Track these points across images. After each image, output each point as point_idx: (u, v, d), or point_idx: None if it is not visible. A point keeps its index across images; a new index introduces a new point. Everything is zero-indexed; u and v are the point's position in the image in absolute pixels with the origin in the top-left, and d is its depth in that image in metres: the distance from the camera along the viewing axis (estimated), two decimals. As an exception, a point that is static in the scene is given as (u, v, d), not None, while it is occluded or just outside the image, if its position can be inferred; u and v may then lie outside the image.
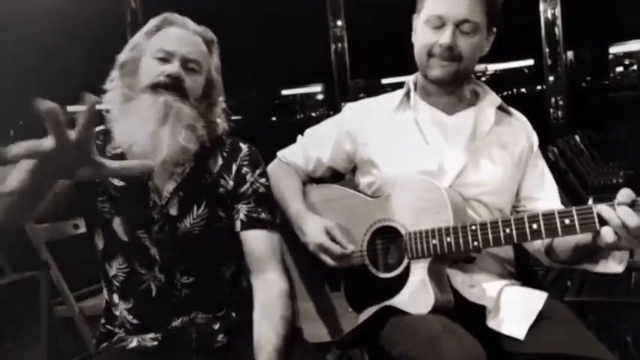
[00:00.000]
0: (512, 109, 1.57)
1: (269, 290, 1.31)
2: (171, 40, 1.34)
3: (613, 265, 1.30)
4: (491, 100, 1.53)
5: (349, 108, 1.66)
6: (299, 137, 1.70)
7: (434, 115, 1.51)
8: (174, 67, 1.31)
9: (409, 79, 1.58)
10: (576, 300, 2.05)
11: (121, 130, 1.29)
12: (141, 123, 1.26)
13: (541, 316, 1.31)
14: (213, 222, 1.35)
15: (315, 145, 1.64)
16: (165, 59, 1.32)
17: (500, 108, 1.53)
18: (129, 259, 1.33)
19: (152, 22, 1.37)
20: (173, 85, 1.29)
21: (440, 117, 1.51)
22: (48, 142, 0.86)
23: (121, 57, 1.36)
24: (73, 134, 0.87)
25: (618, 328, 2.22)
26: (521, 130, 1.54)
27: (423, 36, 1.47)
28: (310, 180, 1.67)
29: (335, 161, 1.62)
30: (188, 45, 1.34)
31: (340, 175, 1.71)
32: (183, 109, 1.29)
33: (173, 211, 1.32)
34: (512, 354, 1.29)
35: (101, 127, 1.37)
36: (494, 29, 1.51)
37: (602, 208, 1.16)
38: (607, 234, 1.15)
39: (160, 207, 1.32)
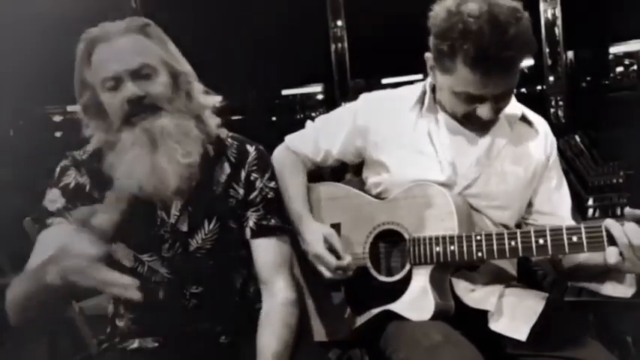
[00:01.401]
0: (534, 119, 1.48)
1: (274, 300, 1.29)
2: (107, 63, 1.20)
3: (622, 288, 1.27)
4: (512, 111, 1.44)
5: (364, 100, 1.58)
6: (309, 123, 1.64)
7: (449, 124, 1.44)
8: (127, 90, 1.19)
9: (426, 83, 1.48)
10: (576, 300, 2.05)
11: (121, 177, 1.21)
12: (134, 164, 1.20)
13: (542, 318, 1.30)
14: (225, 235, 1.31)
15: (326, 137, 1.58)
16: (115, 86, 1.20)
17: (521, 119, 1.45)
18: (134, 276, 1.30)
19: (79, 52, 1.24)
20: (140, 108, 1.20)
21: (455, 127, 1.44)
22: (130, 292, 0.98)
23: (80, 102, 1.26)
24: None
25: (618, 328, 2.21)
26: (539, 144, 1.46)
27: (455, 104, 1.36)
28: (317, 168, 1.63)
29: (344, 154, 1.58)
30: (125, 55, 1.20)
31: (341, 173, 1.70)
32: (165, 125, 1.21)
33: (183, 228, 1.29)
34: (514, 356, 1.29)
35: (93, 148, 1.30)
36: None
37: (612, 225, 1.13)
38: (610, 254, 1.13)
39: (170, 225, 1.28)
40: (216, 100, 1.34)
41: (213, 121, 1.33)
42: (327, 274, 1.38)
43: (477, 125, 1.40)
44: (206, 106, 1.32)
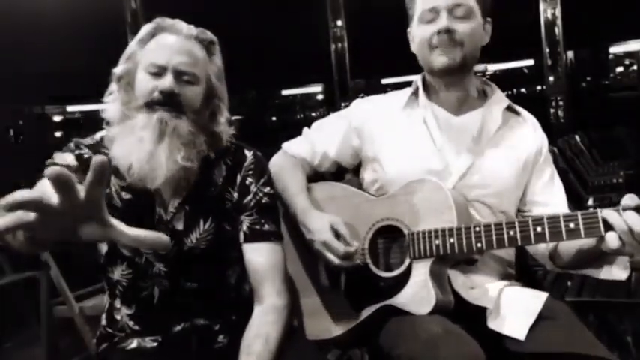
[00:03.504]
0: (521, 110, 1.55)
1: (260, 306, 1.30)
2: (162, 51, 1.27)
3: (617, 271, 1.29)
4: (499, 100, 1.52)
5: (357, 103, 1.65)
6: (305, 130, 1.69)
7: (441, 114, 1.50)
8: (166, 82, 1.24)
9: (417, 78, 1.56)
10: (576, 300, 2.05)
11: (119, 151, 1.25)
12: (137, 144, 1.22)
13: (541, 316, 1.31)
14: (219, 236, 1.32)
15: (323, 139, 1.62)
16: (158, 73, 1.26)
17: (508, 108, 1.51)
18: (132, 268, 1.32)
19: (145, 29, 1.31)
20: (168, 101, 1.24)
21: (447, 117, 1.50)
22: (53, 199, 0.74)
23: (118, 69, 1.30)
24: (82, 192, 0.76)
25: (618, 328, 2.21)
26: (529, 133, 1.52)
27: (420, 33, 1.47)
28: (315, 174, 1.66)
29: (342, 156, 1.62)
30: (181, 54, 1.27)
31: (340, 174, 1.71)
32: (180, 125, 1.24)
33: (179, 226, 1.30)
34: (513, 354, 1.29)
35: (100, 137, 1.33)
36: (489, 19, 1.51)
37: (609, 214, 1.15)
38: (611, 239, 1.15)
39: (166, 222, 1.30)
40: (232, 131, 1.39)
41: (225, 135, 1.36)
42: (335, 261, 1.39)
43: (445, 49, 1.43)
44: (222, 130, 1.35)
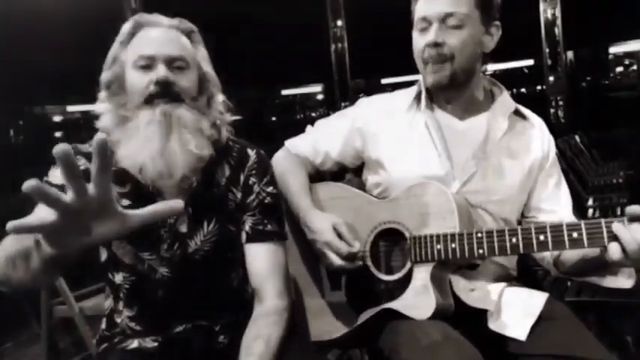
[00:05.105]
0: (528, 113, 1.51)
1: (261, 307, 1.29)
2: (148, 43, 1.24)
3: (622, 280, 1.28)
4: (506, 104, 1.48)
5: (362, 103, 1.63)
6: (309, 127, 1.67)
7: (445, 119, 1.48)
8: (160, 71, 1.22)
9: (420, 79, 1.53)
10: (576, 300, 2.05)
11: (126, 154, 1.21)
12: (145, 143, 1.19)
13: (542, 317, 1.30)
14: (223, 237, 1.31)
15: (325, 139, 1.61)
16: (148, 66, 1.23)
17: (515, 112, 1.48)
18: (134, 274, 1.30)
19: (124, 29, 1.28)
20: (165, 92, 1.21)
21: (451, 121, 1.48)
22: (67, 197, 0.74)
23: (104, 76, 1.27)
24: (90, 186, 0.75)
25: (618, 328, 2.21)
26: (535, 138, 1.49)
27: (415, 42, 1.45)
28: (317, 172, 1.65)
29: (344, 156, 1.61)
30: (167, 43, 1.25)
31: (341, 174, 1.70)
32: (184, 114, 1.22)
33: (182, 229, 1.29)
34: (514, 355, 1.28)
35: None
36: (497, 22, 1.45)
37: (614, 226, 1.13)
38: (614, 251, 1.13)
39: (169, 225, 1.28)
40: (230, 117, 1.37)
41: (225, 130, 1.35)
42: (337, 262, 1.39)
43: (435, 66, 1.41)
44: (221, 117, 1.34)
